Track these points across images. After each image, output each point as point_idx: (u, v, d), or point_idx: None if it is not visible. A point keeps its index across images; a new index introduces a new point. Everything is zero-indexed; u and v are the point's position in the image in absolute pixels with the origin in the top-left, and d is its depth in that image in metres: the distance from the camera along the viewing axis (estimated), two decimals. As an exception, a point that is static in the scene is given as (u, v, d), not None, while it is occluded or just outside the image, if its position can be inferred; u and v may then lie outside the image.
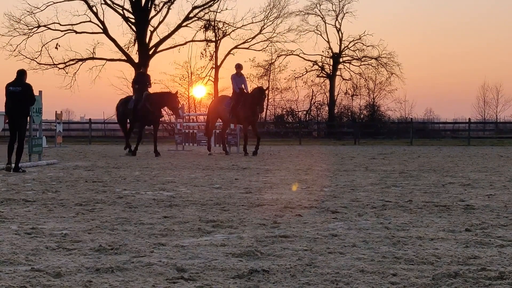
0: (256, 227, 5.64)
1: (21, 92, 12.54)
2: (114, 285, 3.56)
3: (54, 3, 46.54)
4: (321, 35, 50.50)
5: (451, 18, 74.91)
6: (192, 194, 8.31)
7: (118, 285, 3.56)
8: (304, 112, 50.13)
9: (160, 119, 21.32)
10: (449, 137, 43.06)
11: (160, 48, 49.04)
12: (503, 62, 75.18)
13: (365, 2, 71.08)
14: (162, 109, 21.05)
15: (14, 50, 47.13)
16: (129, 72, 49.30)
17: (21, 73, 12.77)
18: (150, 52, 48.43)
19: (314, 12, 50.09)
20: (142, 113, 19.57)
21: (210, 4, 48.24)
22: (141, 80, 20.57)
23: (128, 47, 48.39)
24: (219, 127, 21.84)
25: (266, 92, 23.31)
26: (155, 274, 3.83)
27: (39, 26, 47.56)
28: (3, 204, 7.22)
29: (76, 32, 48.00)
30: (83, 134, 43.69)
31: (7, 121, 13.34)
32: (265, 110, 48.57)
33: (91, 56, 48.29)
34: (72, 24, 47.80)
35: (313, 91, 50.17)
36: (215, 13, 48.35)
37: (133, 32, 48.21)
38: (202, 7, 48.78)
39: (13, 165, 12.46)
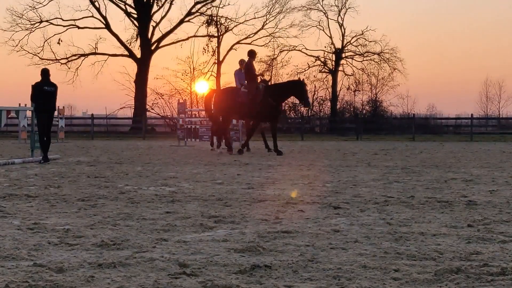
0: (258, 222, 5.64)
1: (54, 92, 14.23)
2: (116, 280, 3.56)
3: (57, -2, 46.56)
4: (323, 30, 50.50)
5: (454, 13, 74.80)
6: (194, 190, 8.31)
7: (120, 280, 3.57)
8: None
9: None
10: (451, 133, 43.04)
11: (162, 43, 49.06)
12: (506, 58, 75.09)
13: (367, -3, 70.95)
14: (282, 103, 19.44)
15: (17, 45, 47.21)
16: (131, 67, 49.35)
17: (48, 73, 14.38)
18: (153, 48, 48.43)
19: (316, 8, 50.08)
20: (264, 107, 17.98)
21: (212, -1, 48.20)
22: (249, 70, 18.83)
23: (131, 43, 48.43)
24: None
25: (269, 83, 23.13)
26: (157, 269, 3.84)
27: (41, 21, 47.59)
28: (5, 199, 7.23)
29: (78, 27, 48.04)
30: (85, 130, 43.68)
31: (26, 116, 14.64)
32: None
33: (93, 51, 48.33)
34: (74, 19, 47.84)
35: (315, 86, 50.17)
36: (217, 8, 48.36)
37: (136, 27, 48.22)
38: (205, 2, 48.77)
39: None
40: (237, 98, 18.14)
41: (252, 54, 19.00)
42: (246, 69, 18.32)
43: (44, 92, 14.06)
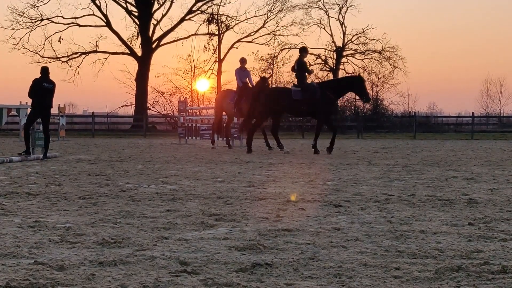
0: (259, 220, 5.65)
1: (52, 89, 14.39)
2: (117, 278, 3.57)
3: (57, -4, 46.59)
4: (324, 28, 50.58)
5: (455, 11, 74.74)
6: (195, 188, 8.31)
7: (121, 278, 3.57)
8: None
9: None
10: (452, 131, 43.04)
11: (163, 41, 49.07)
12: (507, 56, 75.10)
13: (368, -5, 70.93)
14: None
15: (17, 43, 47.26)
16: (132, 65, 49.44)
17: (48, 71, 14.53)
18: (153, 46, 48.45)
19: (317, 6, 50.11)
20: (324, 103, 17.64)
21: (213, -3, 48.17)
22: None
23: (131, 41, 48.47)
24: (224, 121, 21.80)
25: (269, 80, 23.09)
26: (158, 267, 3.84)
27: (42, 20, 47.60)
28: (6, 197, 7.23)
29: (79, 26, 48.06)
30: (86, 128, 43.73)
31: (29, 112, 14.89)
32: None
33: (94, 49, 48.34)
34: (75, 18, 47.87)
35: (316, 84, 50.09)
36: (218, 6, 48.34)
37: (136, 26, 48.23)
38: (205, 1, 48.75)
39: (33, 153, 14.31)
40: (292, 96, 17.86)
41: (304, 50, 18.82)
42: (299, 66, 18.16)
43: (42, 88, 14.21)
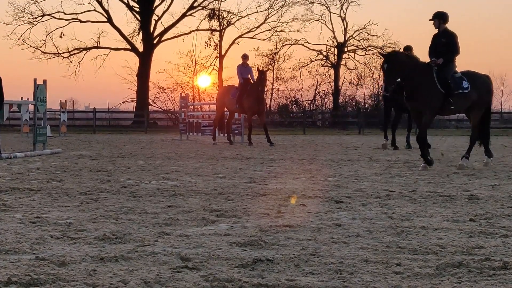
0: (260, 216, 5.65)
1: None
2: (118, 274, 3.57)
3: (59, -9, 46.60)
4: (325, 24, 50.48)
5: (456, 7, 74.63)
6: (196, 184, 8.32)
7: (122, 274, 3.57)
8: (309, 102, 50.07)
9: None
10: (453, 127, 43.00)
11: (164, 37, 49.01)
12: (508, 52, 74.97)
13: (370, -9, 70.80)
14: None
15: (19, 39, 47.20)
16: (134, 61, 49.38)
17: None
18: (155, 41, 48.40)
19: (318, 2, 49.98)
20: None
21: (214, -7, 48.13)
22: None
23: (133, 36, 48.40)
24: (226, 117, 21.80)
25: (267, 73, 22.95)
26: (159, 263, 3.84)
27: (43, 15, 47.56)
28: (7, 193, 7.24)
29: (81, 21, 48.01)
30: (87, 124, 43.71)
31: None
32: (269, 99, 48.56)
33: (96, 45, 48.30)
34: (76, 13, 47.80)
35: (317, 80, 50.13)
36: (219, 2, 48.27)
37: (138, 21, 48.17)
38: (207, -4, 48.65)
39: None
40: None
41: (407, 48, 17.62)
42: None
43: None
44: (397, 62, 10.85)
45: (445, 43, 11.20)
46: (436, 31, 11.41)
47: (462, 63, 75.90)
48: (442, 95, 10.83)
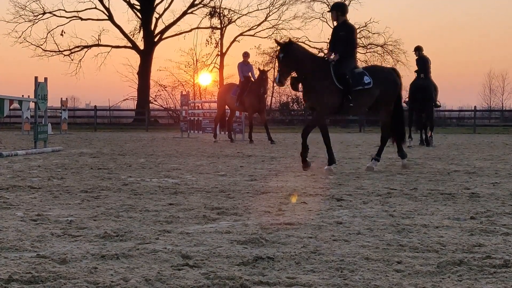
0: (261, 214, 5.65)
1: None
2: (119, 271, 3.57)
3: (60, -11, 46.56)
4: (326, 22, 50.40)
5: (457, 5, 74.60)
6: (197, 181, 8.32)
7: (123, 271, 3.57)
8: None
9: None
10: (454, 125, 42.99)
11: (165, 35, 49.04)
12: (510, 50, 74.93)
13: (371, -11, 70.84)
14: None
15: (20, 37, 47.25)
16: (134, 59, 49.37)
17: None
18: (156, 39, 48.40)
19: (319, -1, 49.93)
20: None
21: (215, -9, 48.12)
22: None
23: (134, 34, 48.43)
24: (227, 115, 21.82)
25: (268, 73, 23.02)
26: (160, 261, 3.84)
27: (44, 13, 47.57)
28: (8, 190, 7.24)
29: (81, 19, 48.02)
30: (88, 121, 43.76)
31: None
32: (270, 97, 48.54)
33: (97, 43, 48.31)
34: (77, 11, 47.81)
35: (318, 78, 50.01)
36: (220, 0, 48.24)
37: (139, 19, 48.18)
38: (208, -6, 48.62)
39: None
40: None
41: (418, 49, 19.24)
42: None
43: None
44: (293, 53, 9.97)
45: (343, 37, 10.31)
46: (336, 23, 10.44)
47: (462, 62, 75.84)
48: (340, 92, 9.94)
